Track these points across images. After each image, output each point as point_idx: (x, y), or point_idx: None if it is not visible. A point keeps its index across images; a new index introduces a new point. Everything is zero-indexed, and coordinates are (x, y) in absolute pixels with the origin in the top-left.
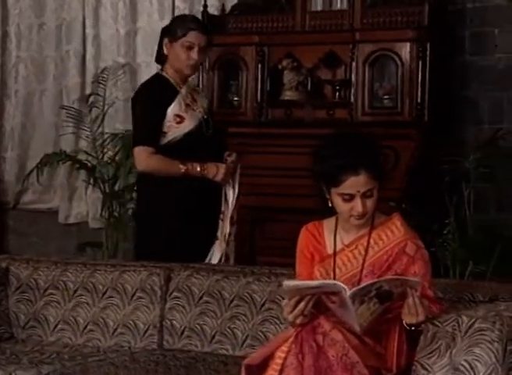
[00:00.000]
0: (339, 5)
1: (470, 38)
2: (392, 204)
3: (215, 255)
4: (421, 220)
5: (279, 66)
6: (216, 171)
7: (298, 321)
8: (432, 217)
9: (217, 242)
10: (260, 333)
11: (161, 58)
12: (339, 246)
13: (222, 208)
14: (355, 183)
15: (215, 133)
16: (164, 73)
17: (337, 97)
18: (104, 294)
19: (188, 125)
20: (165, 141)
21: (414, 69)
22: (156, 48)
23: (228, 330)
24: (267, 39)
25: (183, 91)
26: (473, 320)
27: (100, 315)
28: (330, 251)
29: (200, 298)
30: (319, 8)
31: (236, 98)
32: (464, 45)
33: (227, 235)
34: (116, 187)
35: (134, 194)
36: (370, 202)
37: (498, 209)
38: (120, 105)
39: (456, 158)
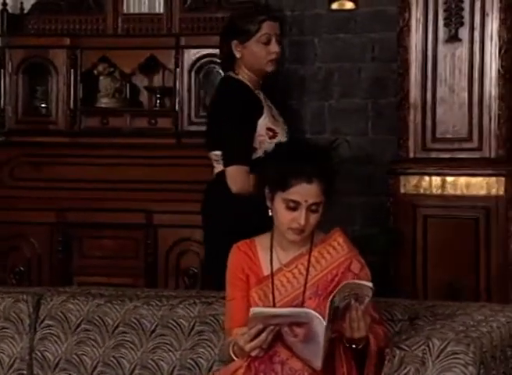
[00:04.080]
0: (156, 9)
1: (289, 47)
2: None
3: None
4: None
5: (94, 71)
6: None
7: (254, 353)
8: None
9: None
10: (151, 362)
11: (227, 63)
12: (276, 266)
13: None
14: (305, 190)
15: None
16: (240, 77)
17: (158, 105)
18: None
19: (281, 139)
20: (254, 157)
21: None
22: None
23: (112, 359)
24: (79, 42)
25: (261, 96)
26: (445, 343)
27: None
28: (267, 271)
29: (78, 325)
30: (133, 10)
31: (43, 105)
32: (284, 54)
33: None
34: None
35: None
36: (313, 218)
37: (352, 223)
38: None
39: None
